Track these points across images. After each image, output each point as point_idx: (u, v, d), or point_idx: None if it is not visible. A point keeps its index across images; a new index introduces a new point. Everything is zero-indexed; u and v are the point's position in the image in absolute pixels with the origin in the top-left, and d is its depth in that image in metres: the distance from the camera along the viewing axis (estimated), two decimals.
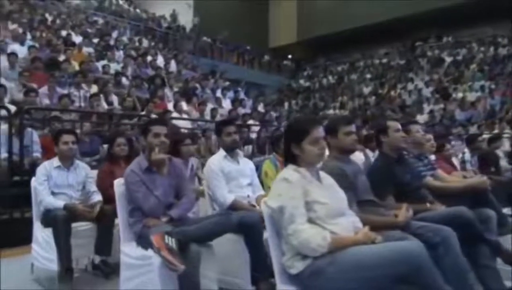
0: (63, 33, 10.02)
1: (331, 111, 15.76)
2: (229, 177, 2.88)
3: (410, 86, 15.38)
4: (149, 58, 11.04)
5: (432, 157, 3.88)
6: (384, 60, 19.37)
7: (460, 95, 13.18)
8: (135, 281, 2.32)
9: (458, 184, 3.04)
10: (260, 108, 11.54)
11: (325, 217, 1.70)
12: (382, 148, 2.82)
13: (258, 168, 3.27)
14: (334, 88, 18.52)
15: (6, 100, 5.32)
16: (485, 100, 12.23)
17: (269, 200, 1.78)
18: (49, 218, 2.90)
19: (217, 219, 2.36)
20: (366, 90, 17.02)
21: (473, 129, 10.56)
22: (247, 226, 2.37)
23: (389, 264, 1.52)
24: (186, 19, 18.97)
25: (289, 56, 23.57)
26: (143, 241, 2.27)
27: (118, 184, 2.53)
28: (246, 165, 3.06)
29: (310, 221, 1.68)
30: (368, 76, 18.39)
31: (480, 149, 5.90)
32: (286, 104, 18.09)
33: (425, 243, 2.01)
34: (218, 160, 2.92)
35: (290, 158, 1.86)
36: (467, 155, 5.93)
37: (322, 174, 1.93)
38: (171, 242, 2.00)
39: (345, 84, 18.58)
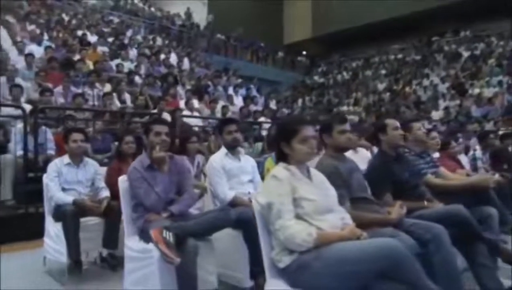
0: (79, 33, 10.27)
1: (345, 108, 15.68)
2: (230, 174, 2.97)
3: (426, 82, 15.16)
4: (162, 56, 11.21)
5: (436, 154, 3.89)
6: (400, 56, 19.12)
7: (476, 90, 12.91)
8: (138, 273, 2.43)
9: (457, 182, 3.05)
10: (272, 105, 11.59)
11: (312, 213, 1.76)
12: (381, 146, 2.85)
13: (260, 165, 3.34)
14: (349, 84, 18.40)
15: (23, 99, 5.53)
16: (502, 96, 11.94)
17: (259, 196, 1.85)
18: (59, 213, 3.05)
19: (215, 214, 2.44)
20: (381, 86, 16.84)
21: (489, 126, 10.36)
22: (244, 221, 2.44)
23: (370, 260, 1.56)
24: (201, 16, 19.12)
25: (304, 53, 23.48)
26: (144, 235, 2.37)
27: (122, 181, 2.64)
28: (248, 163, 3.13)
29: (298, 217, 1.74)
30: (383, 72, 18.20)
31: (492, 146, 5.82)
32: (300, 101, 18.07)
33: (417, 240, 2.06)
34: (219, 157, 3.01)
35: (280, 156, 1.92)
36: (478, 152, 5.85)
37: (314, 171, 1.99)
38: (169, 236, 2.10)
39: (360, 80, 18.43)
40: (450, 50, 17.10)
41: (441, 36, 18.49)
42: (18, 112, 4.62)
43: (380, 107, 14.60)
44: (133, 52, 10.48)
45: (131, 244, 2.52)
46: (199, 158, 4.14)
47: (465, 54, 16.00)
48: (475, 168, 5.64)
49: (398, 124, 2.81)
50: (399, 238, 1.98)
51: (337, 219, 1.87)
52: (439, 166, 3.33)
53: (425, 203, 2.59)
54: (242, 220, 2.46)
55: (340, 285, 1.60)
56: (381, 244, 1.61)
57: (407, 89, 15.31)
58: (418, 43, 19.40)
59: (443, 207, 2.56)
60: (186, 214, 2.57)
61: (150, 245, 2.27)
